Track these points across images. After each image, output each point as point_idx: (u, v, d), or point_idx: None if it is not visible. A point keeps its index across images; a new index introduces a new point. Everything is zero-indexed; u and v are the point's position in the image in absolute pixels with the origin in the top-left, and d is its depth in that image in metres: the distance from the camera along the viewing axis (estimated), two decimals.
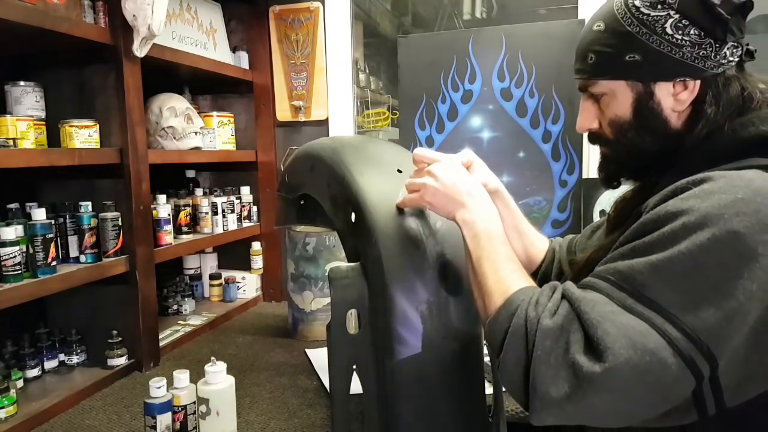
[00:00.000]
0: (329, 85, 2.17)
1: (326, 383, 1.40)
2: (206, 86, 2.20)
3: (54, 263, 1.33)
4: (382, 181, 0.89)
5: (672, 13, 0.77)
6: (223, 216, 2.02)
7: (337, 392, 0.83)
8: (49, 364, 1.48)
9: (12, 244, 1.22)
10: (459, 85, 1.93)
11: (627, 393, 0.64)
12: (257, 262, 2.21)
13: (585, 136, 0.94)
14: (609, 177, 0.92)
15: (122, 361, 1.53)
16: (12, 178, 1.31)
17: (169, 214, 1.75)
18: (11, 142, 1.27)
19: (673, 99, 0.81)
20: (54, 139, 1.45)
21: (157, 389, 1.11)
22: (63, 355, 1.51)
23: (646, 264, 0.67)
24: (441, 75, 1.94)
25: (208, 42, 2.01)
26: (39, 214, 1.32)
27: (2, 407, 1.22)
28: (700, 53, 0.77)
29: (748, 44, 0.80)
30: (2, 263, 1.21)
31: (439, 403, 0.86)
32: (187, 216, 1.88)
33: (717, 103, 0.79)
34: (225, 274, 2.22)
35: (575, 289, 0.72)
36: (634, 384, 0.63)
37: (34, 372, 1.43)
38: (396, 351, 0.81)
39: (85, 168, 1.42)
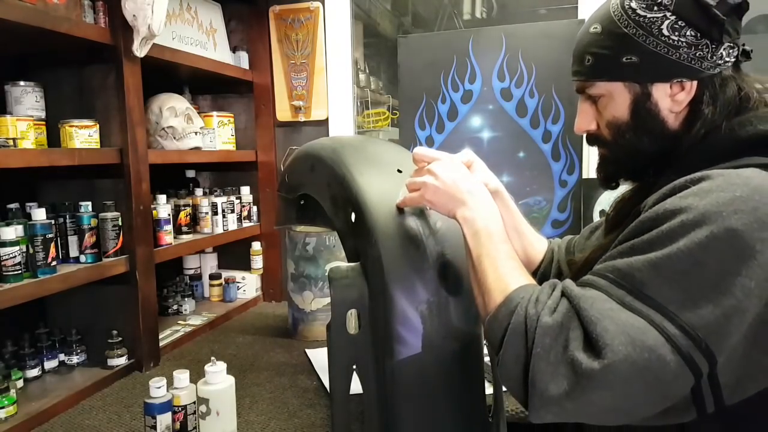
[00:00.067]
0: (329, 85, 2.17)
1: (326, 383, 1.40)
2: (206, 86, 2.20)
3: (54, 263, 1.33)
4: (382, 181, 0.89)
5: (668, 14, 0.78)
6: (223, 216, 2.02)
7: (337, 392, 0.83)
8: (49, 364, 1.48)
9: (12, 244, 1.22)
10: (459, 85, 1.93)
11: (626, 390, 0.64)
12: (257, 262, 2.22)
13: (584, 136, 0.94)
14: (607, 178, 0.92)
15: (122, 361, 1.53)
16: (12, 178, 1.31)
17: (169, 214, 1.75)
18: (11, 142, 1.27)
19: (671, 100, 0.81)
20: (54, 139, 1.45)
21: (157, 389, 1.11)
22: (63, 355, 1.51)
23: (644, 262, 0.68)
24: (441, 75, 1.94)
25: (208, 42, 2.01)
26: (39, 214, 1.32)
27: (2, 407, 1.23)
28: (697, 54, 0.78)
29: (744, 44, 0.81)
30: (2, 263, 1.21)
31: (439, 403, 0.86)
32: (187, 216, 1.88)
33: (714, 103, 0.79)
34: (225, 274, 2.22)
35: (574, 287, 0.72)
36: (632, 381, 0.64)
37: (34, 372, 1.43)
38: (396, 351, 0.81)
39: (85, 168, 1.42)
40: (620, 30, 0.80)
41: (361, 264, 0.84)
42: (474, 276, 0.80)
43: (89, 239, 1.45)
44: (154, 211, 1.67)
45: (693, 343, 0.64)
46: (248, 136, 2.22)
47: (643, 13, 0.79)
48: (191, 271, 2.22)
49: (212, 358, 1.18)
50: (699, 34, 0.77)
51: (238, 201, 2.11)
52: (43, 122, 1.44)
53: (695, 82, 0.80)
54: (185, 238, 1.87)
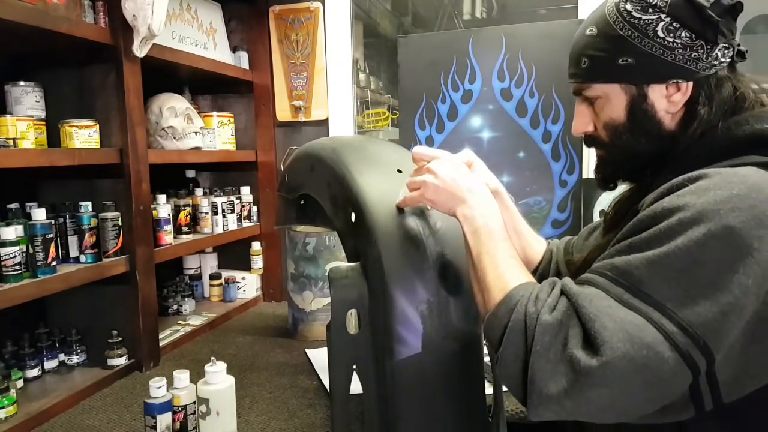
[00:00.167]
0: (329, 85, 2.17)
1: (326, 383, 1.40)
2: (206, 86, 2.20)
3: (54, 263, 1.33)
4: (382, 180, 0.90)
5: (663, 16, 0.78)
6: (223, 216, 2.02)
7: (337, 392, 0.83)
8: (49, 364, 1.48)
9: (12, 244, 1.22)
10: (459, 85, 1.93)
11: (624, 387, 0.64)
12: (257, 262, 2.22)
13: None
14: (605, 179, 0.93)
15: (122, 361, 1.53)
16: (12, 178, 1.31)
17: (169, 214, 1.75)
18: (11, 142, 1.27)
19: (667, 101, 0.82)
20: (54, 139, 1.45)
21: (157, 389, 1.11)
22: (63, 355, 1.51)
23: (642, 259, 0.68)
24: (441, 75, 1.94)
25: (208, 42, 2.01)
26: (39, 214, 1.32)
27: (2, 407, 1.23)
28: (692, 55, 0.79)
29: (739, 45, 0.81)
30: (2, 263, 1.21)
31: (439, 403, 0.86)
32: (187, 216, 1.88)
33: (710, 103, 0.80)
34: (225, 274, 2.22)
35: (573, 285, 0.72)
36: (631, 378, 0.64)
37: (34, 372, 1.43)
38: (396, 351, 0.81)
39: (85, 168, 1.42)
40: (616, 32, 0.81)
41: (361, 264, 0.84)
42: (474, 274, 0.80)
43: (89, 239, 1.45)
44: (154, 211, 1.67)
45: (691, 341, 0.64)
46: (248, 136, 2.22)
47: (638, 15, 0.79)
48: (191, 271, 2.22)
49: (212, 358, 1.18)
50: (694, 36, 0.78)
51: (238, 201, 2.11)
52: (43, 122, 1.44)
53: (691, 83, 0.80)
54: (185, 238, 1.87)
